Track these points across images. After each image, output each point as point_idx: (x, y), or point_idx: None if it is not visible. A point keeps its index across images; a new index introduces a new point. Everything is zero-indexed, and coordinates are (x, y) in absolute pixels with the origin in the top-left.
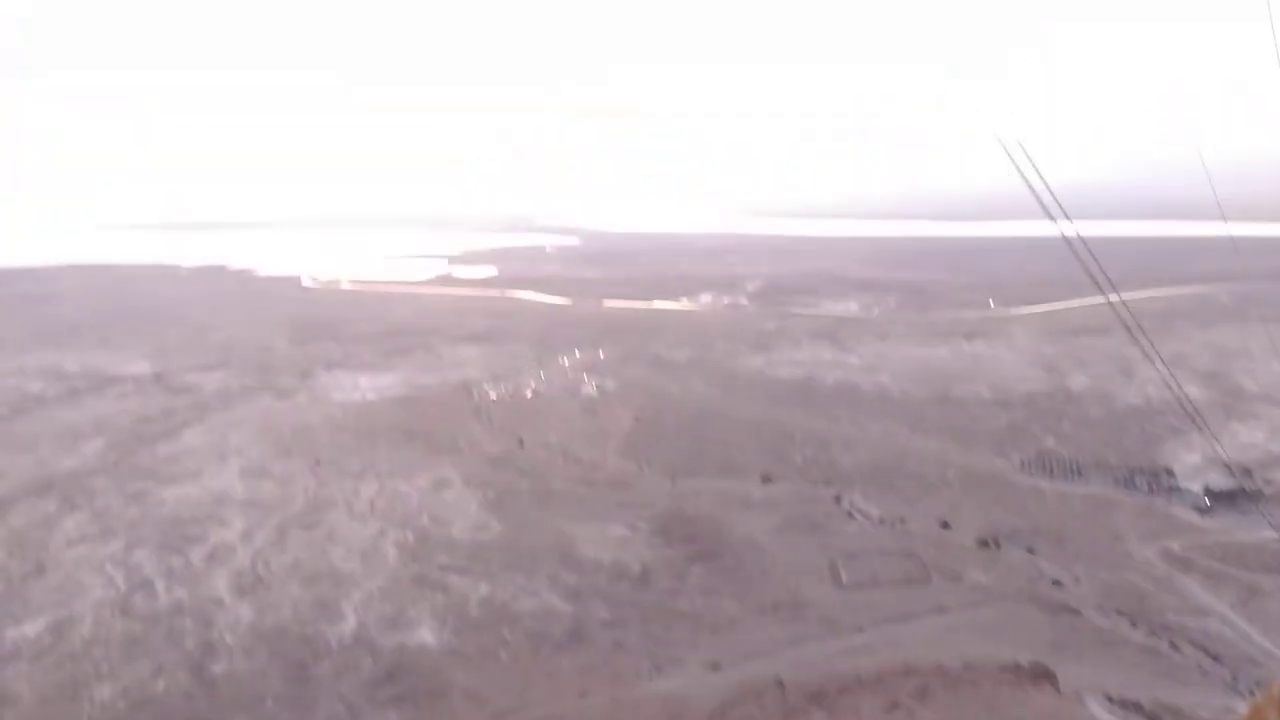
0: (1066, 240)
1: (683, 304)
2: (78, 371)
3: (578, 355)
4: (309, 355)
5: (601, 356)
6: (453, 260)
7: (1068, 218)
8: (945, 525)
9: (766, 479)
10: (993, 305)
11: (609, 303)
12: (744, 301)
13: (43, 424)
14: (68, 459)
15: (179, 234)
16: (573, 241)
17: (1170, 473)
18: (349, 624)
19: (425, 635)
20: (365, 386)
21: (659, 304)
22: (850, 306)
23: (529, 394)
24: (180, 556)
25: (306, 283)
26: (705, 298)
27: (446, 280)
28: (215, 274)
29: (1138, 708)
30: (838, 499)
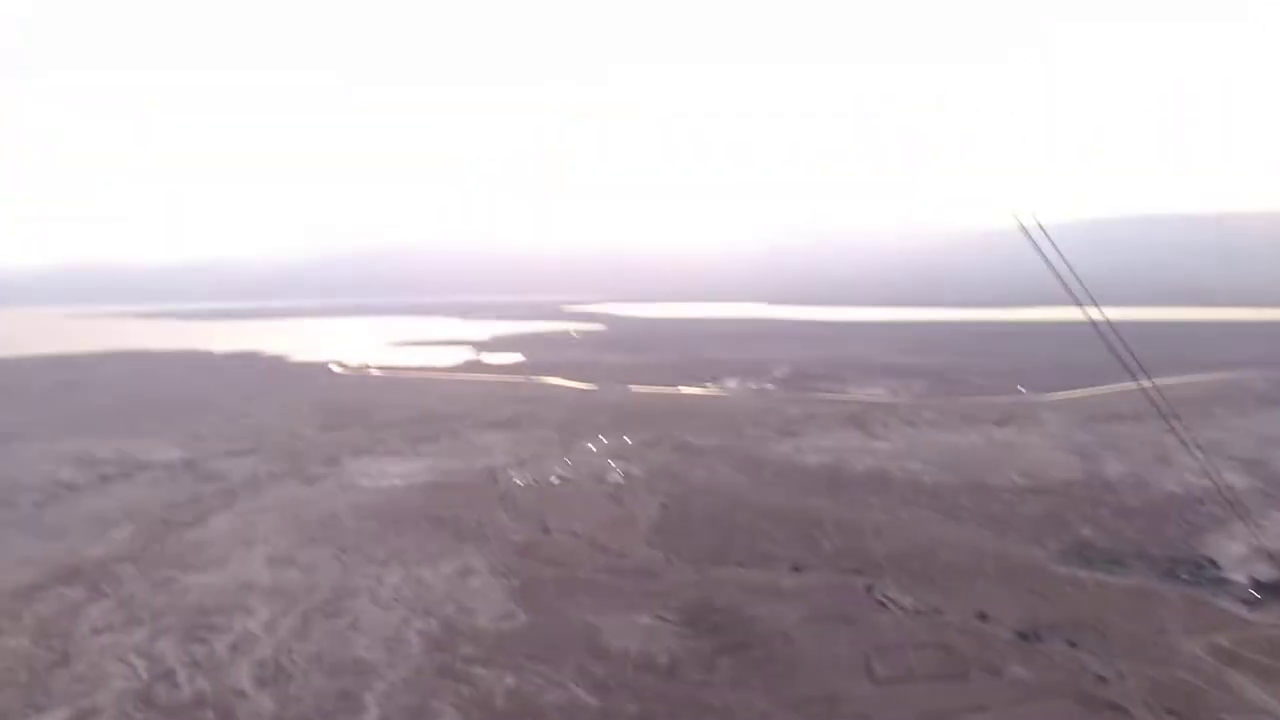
0: (1094, 325)
1: (709, 390)
2: (109, 458)
3: (604, 441)
4: (337, 442)
5: (628, 442)
6: (480, 346)
7: (1094, 303)
8: (982, 616)
9: (796, 568)
10: (1022, 391)
11: (635, 388)
12: (771, 387)
13: (73, 511)
14: (96, 546)
15: (213, 321)
16: (599, 327)
17: (1214, 563)
18: (371, 716)
19: None
20: (392, 473)
21: (685, 390)
22: (878, 392)
23: (555, 480)
24: (204, 646)
25: (335, 369)
26: (732, 383)
27: (474, 366)
28: (247, 360)
29: None
30: (870, 588)
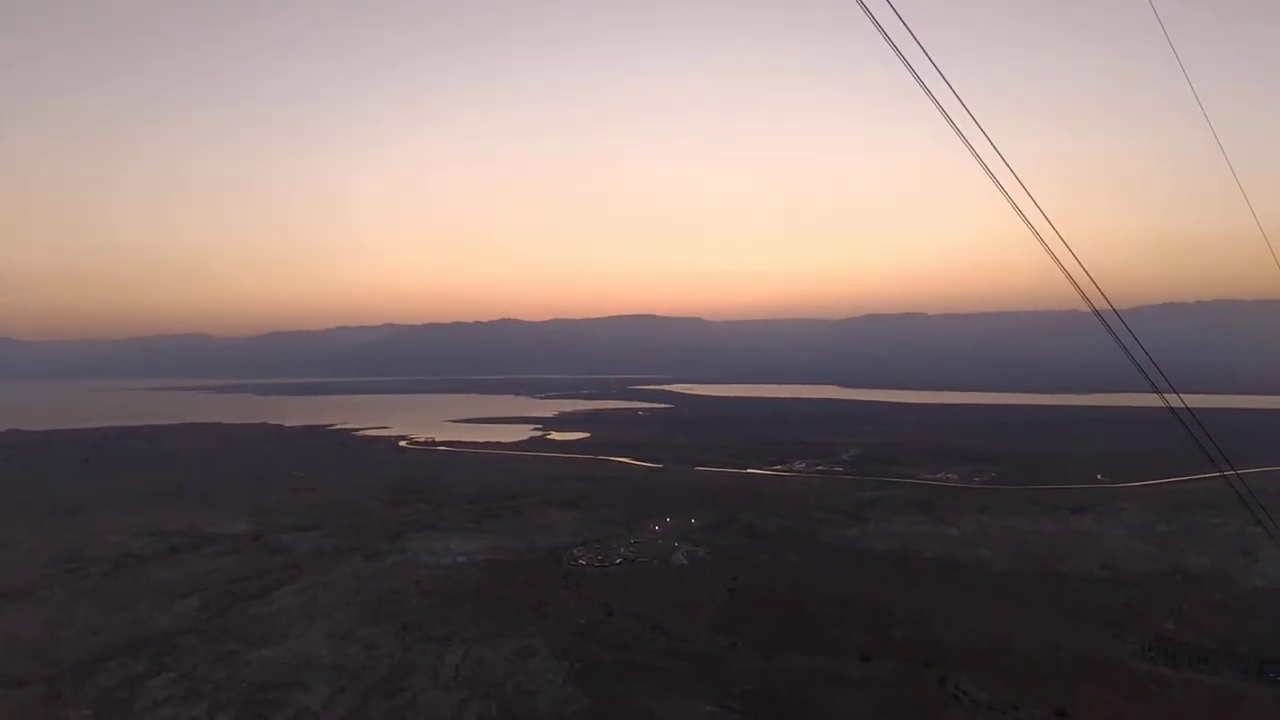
0: (1175, 413)
1: (776, 471)
2: (179, 530)
3: (669, 522)
4: (401, 517)
5: (693, 524)
6: (546, 424)
7: (1174, 389)
8: (1060, 714)
9: (865, 657)
10: (1100, 478)
11: (702, 469)
12: (839, 469)
13: (141, 582)
14: (161, 617)
15: (286, 396)
16: (665, 406)
17: None
18: None
19: None
20: (454, 550)
21: (752, 470)
22: (949, 476)
23: (618, 561)
24: None
25: (402, 445)
26: (799, 465)
27: (539, 443)
28: (316, 435)
29: None
30: (941, 680)
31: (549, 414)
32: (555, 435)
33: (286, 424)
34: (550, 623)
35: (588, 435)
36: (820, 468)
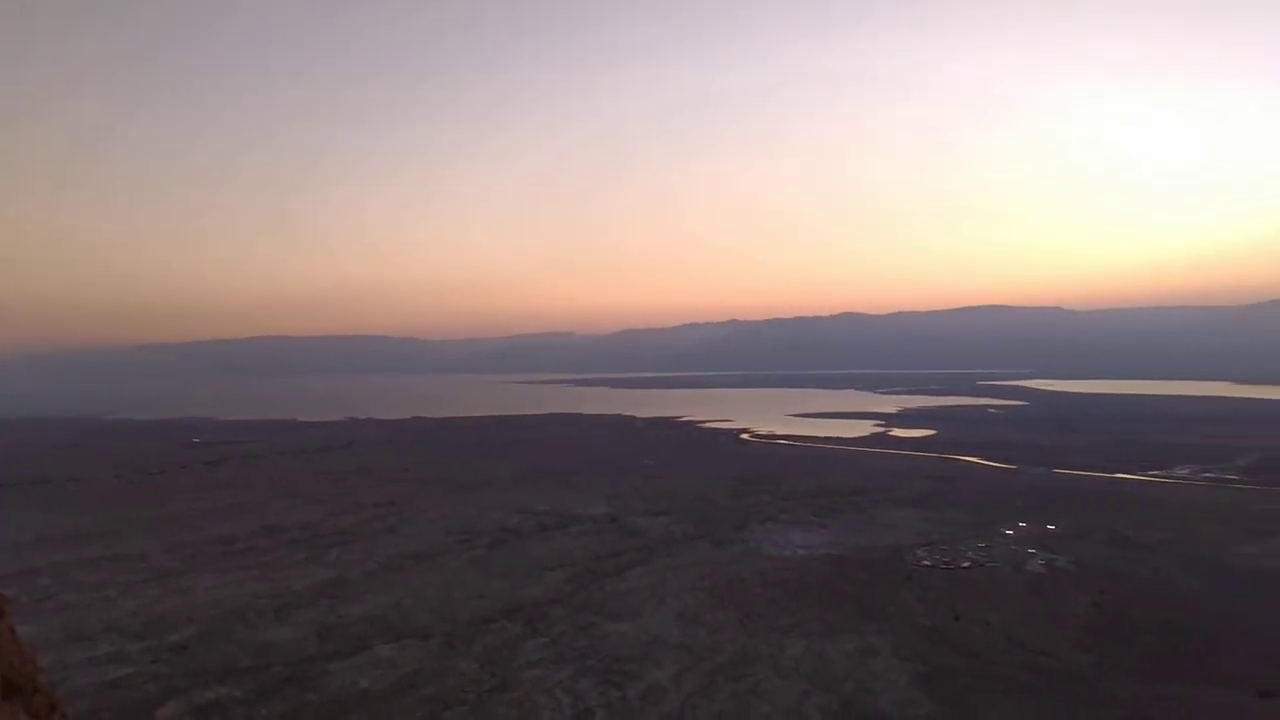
0: None
1: (1152, 477)
2: (548, 510)
3: (1023, 526)
4: (745, 507)
5: (1050, 530)
6: (889, 420)
7: None
8: None
9: (1265, 693)
10: None
11: (1060, 471)
12: (1233, 477)
13: (517, 554)
14: (534, 588)
15: (638, 389)
16: (1020, 403)
17: None
18: None
19: None
20: (796, 542)
21: (1122, 475)
22: None
23: (966, 565)
24: (618, 691)
25: (744, 436)
26: (1182, 471)
27: (881, 440)
28: (665, 425)
29: None
30: None
31: (891, 410)
32: (898, 432)
33: (638, 415)
34: (893, 623)
35: (933, 433)
36: (1208, 474)
